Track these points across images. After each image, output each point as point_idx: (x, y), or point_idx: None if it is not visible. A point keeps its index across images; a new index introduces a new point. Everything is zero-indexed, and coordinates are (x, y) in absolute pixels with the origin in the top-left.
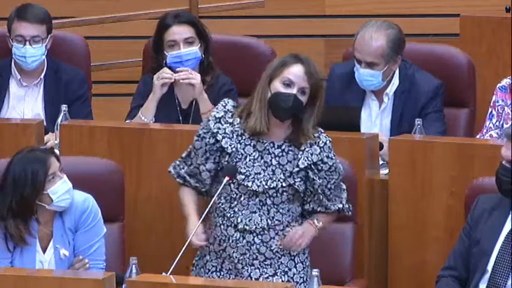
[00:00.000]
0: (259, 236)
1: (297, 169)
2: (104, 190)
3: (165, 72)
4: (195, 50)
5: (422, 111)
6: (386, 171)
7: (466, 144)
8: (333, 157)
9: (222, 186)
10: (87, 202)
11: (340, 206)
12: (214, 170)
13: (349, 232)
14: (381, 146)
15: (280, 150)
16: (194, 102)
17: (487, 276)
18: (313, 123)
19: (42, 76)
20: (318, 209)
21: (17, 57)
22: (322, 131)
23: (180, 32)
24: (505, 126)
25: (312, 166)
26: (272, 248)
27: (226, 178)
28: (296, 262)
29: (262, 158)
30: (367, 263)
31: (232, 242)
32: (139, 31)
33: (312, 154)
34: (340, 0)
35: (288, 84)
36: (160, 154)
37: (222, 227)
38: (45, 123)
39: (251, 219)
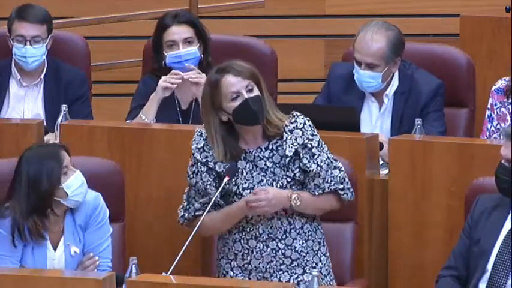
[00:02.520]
0: (283, 241)
1: (288, 159)
2: (104, 190)
3: (172, 77)
4: (194, 50)
5: (422, 111)
6: (386, 171)
7: (466, 144)
8: (317, 134)
9: (222, 186)
10: (97, 200)
11: (336, 186)
12: (224, 197)
13: (349, 232)
14: (381, 146)
15: (269, 151)
16: (194, 103)
17: (486, 275)
18: (276, 107)
19: (42, 76)
20: (315, 192)
21: (18, 57)
22: (298, 114)
23: (179, 32)
24: (502, 126)
25: (301, 149)
26: (297, 249)
27: (226, 178)
28: (320, 256)
29: (256, 166)
30: (367, 263)
31: (257, 253)
32: (139, 31)
33: (295, 139)
34: (340, 0)
35: (237, 96)
36: (161, 154)
37: (242, 241)
38: (45, 123)
39: (272, 225)
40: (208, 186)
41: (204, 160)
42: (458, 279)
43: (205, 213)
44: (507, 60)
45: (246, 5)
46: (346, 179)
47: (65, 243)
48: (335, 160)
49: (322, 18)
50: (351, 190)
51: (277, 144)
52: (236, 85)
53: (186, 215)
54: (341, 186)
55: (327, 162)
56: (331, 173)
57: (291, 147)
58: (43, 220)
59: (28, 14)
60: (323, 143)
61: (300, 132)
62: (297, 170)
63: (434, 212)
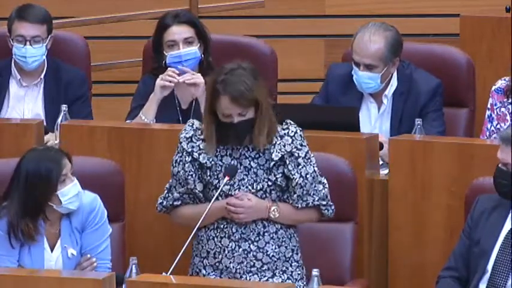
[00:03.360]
0: (255, 243)
1: (273, 163)
2: (104, 190)
3: (169, 75)
4: (194, 50)
5: (422, 111)
6: (386, 171)
7: (466, 144)
8: (306, 146)
9: (222, 186)
10: (94, 202)
11: (320, 202)
12: (203, 189)
13: (349, 232)
14: (381, 146)
15: (255, 152)
16: (194, 102)
17: (486, 276)
18: (275, 125)
19: (42, 76)
20: (298, 205)
21: (18, 58)
22: (292, 122)
23: (179, 32)
24: (502, 126)
25: (287, 156)
26: (268, 253)
27: (226, 178)
28: (291, 262)
29: (241, 164)
30: (367, 263)
31: (228, 252)
32: (139, 31)
33: (284, 145)
34: (340, 0)
35: (228, 115)
36: (161, 154)
37: (215, 239)
38: (45, 123)
39: (246, 226)
40: (189, 177)
41: (190, 150)
42: (458, 280)
43: (206, 212)
44: (507, 60)
45: (246, 5)
46: (329, 196)
47: (62, 246)
48: (320, 175)
49: (322, 18)
50: (332, 207)
51: (266, 147)
52: (229, 109)
53: (165, 203)
54: (324, 202)
55: (312, 176)
56: (316, 187)
57: (278, 153)
58: (35, 223)
59: (28, 14)
60: (311, 155)
61: (290, 140)
62: (280, 175)
63: (434, 212)
